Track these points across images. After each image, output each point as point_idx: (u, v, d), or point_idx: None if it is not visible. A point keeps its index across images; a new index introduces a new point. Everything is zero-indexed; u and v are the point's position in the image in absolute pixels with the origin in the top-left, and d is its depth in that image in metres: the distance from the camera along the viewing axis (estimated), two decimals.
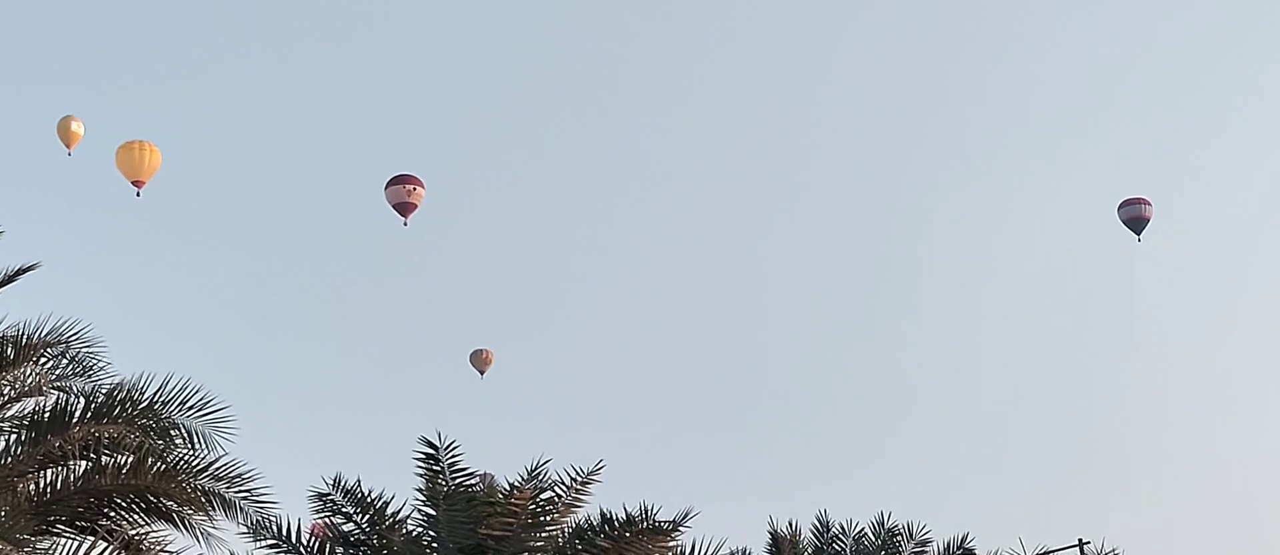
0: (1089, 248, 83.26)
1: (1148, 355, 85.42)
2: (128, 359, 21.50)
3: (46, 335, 20.53)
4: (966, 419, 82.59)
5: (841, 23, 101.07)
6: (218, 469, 20.25)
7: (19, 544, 18.22)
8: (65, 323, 20.65)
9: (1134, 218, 60.13)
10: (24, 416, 20.12)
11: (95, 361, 20.83)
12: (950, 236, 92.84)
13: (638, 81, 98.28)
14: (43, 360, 20.58)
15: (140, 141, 59.53)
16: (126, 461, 19.87)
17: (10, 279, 20.97)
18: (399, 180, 59.89)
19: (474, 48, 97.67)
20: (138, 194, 59.06)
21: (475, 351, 62.55)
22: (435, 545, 23.12)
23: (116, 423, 19.82)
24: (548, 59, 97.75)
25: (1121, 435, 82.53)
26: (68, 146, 59.30)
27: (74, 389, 20.53)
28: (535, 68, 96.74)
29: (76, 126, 59.25)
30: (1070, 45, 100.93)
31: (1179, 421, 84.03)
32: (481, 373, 62.56)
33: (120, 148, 58.95)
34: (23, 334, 20.43)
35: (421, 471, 23.61)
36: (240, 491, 20.38)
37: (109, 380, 20.55)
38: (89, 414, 19.79)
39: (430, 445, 23.95)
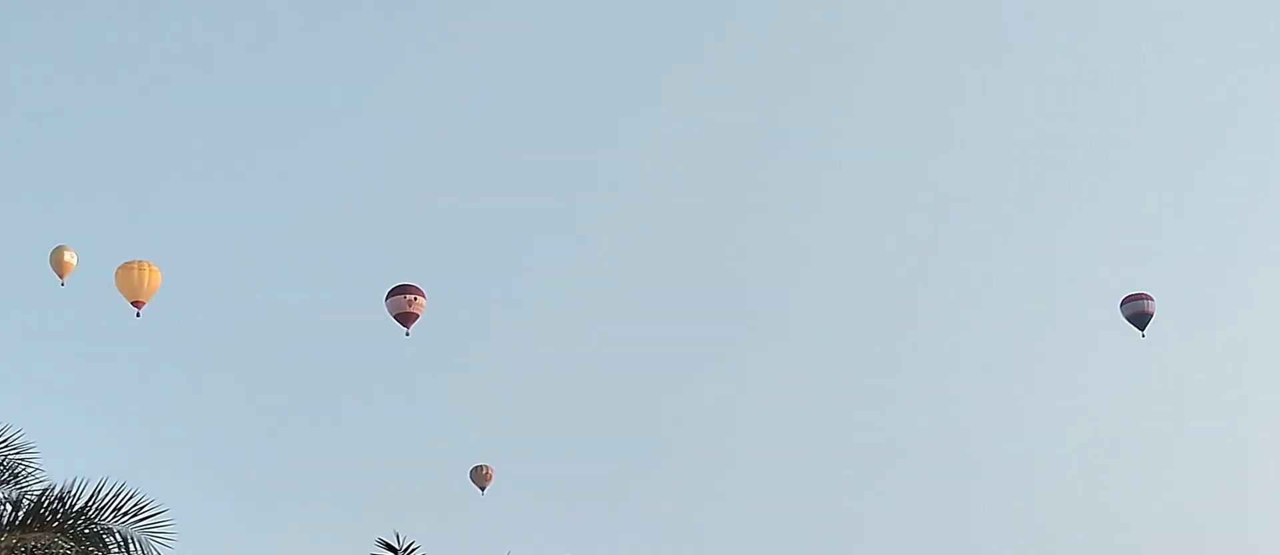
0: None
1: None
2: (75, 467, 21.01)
3: None
4: None
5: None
6: None
7: None
8: None
9: (1137, 314, 59.34)
10: None
11: (24, 468, 20.37)
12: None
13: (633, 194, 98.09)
14: None
15: (140, 262, 59.42)
16: None
17: None
18: (400, 290, 59.68)
19: (473, 153, 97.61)
20: (138, 314, 58.87)
21: (475, 467, 61.82)
22: None
23: (47, 530, 19.32)
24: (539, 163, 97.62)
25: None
26: (61, 276, 59.21)
27: None
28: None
29: (69, 256, 59.16)
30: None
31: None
32: (482, 489, 61.80)
33: (119, 268, 58.84)
34: None
35: None
36: None
37: (39, 486, 20.10)
38: (16, 521, 19.33)
39: (389, 548, 24.19)
